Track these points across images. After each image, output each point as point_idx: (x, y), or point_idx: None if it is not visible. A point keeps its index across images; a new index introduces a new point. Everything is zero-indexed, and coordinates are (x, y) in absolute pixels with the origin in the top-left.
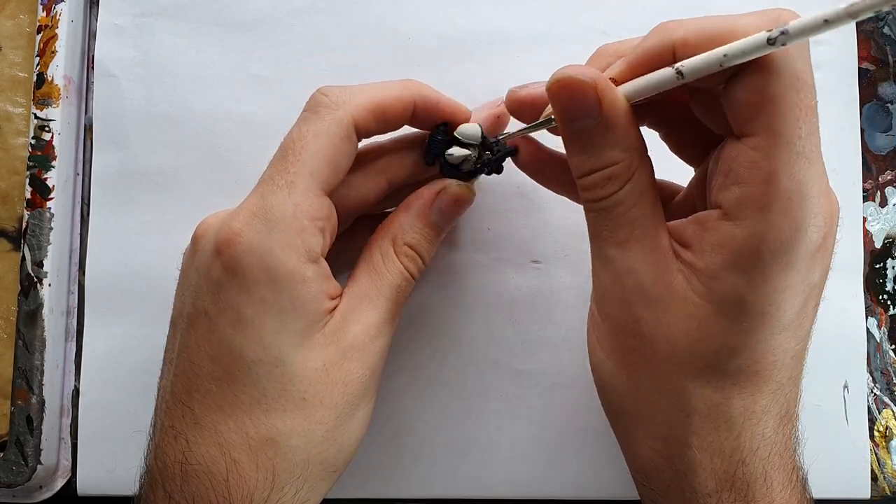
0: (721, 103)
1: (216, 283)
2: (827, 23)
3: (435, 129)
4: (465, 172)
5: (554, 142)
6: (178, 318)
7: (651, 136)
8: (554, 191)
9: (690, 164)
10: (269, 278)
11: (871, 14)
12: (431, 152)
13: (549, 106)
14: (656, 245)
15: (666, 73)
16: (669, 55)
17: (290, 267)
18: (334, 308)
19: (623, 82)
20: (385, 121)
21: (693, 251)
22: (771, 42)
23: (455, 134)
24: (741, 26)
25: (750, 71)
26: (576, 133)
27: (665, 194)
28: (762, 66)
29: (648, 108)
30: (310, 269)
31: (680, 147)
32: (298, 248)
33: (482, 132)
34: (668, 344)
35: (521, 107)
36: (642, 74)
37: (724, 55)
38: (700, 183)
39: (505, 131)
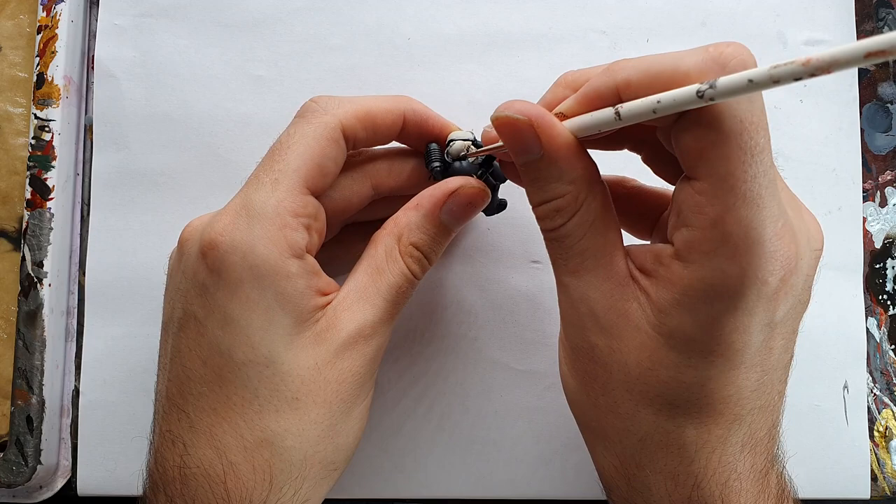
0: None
1: (202, 285)
2: (751, 83)
3: (426, 146)
4: (475, 173)
5: None
6: (168, 322)
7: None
8: None
9: (669, 183)
10: (252, 275)
11: (791, 82)
12: (431, 158)
13: None
14: (609, 274)
15: (606, 113)
16: (615, 94)
17: (272, 262)
18: (326, 304)
19: (572, 116)
20: (374, 130)
21: (650, 280)
22: (700, 96)
23: (448, 139)
24: (683, 67)
25: (690, 116)
26: (524, 166)
27: (658, 204)
28: (701, 112)
29: (627, 134)
30: (294, 265)
31: (660, 170)
32: (281, 243)
33: (473, 138)
34: (622, 371)
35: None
36: (590, 111)
37: (658, 102)
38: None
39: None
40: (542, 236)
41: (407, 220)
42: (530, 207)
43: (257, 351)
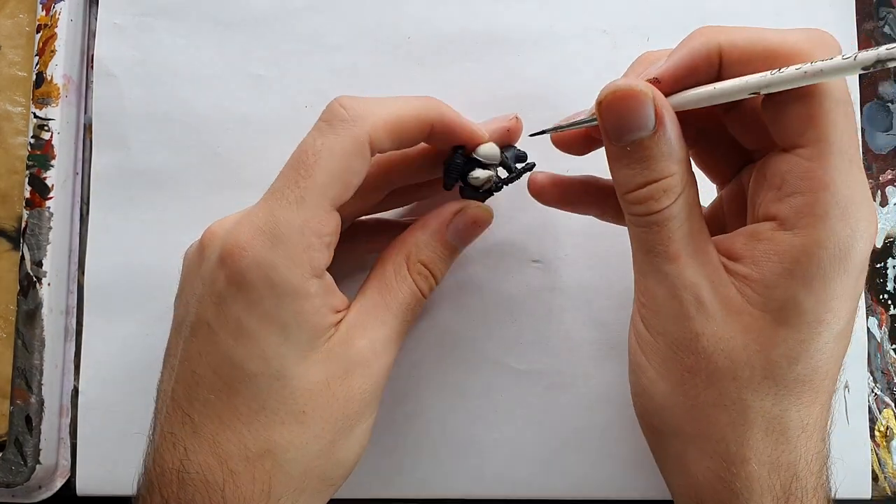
0: (759, 117)
1: (219, 294)
2: (879, 62)
3: (452, 151)
4: (484, 192)
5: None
6: (180, 324)
7: None
8: (578, 212)
9: (716, 182)
10: (272, 293)
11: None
12: (451, 175)
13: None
14: (708, 259)
15: (708, 91)
16: (715, 63)
17: (294, 283)
18: (339, 321)
19: (666, 83)
20: (401, 139)
21: (745, 263)
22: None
23: (474, 155)
24: (793, 44)
25: (791, 91)
26: (631, 145)
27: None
28: (804, 87)
29: (682, 126)
30: (314, 285)
31: (709, 165)
32: (304, 265)
33: (500, 151)
34: (728, 358)
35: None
36: (686, 76)
37: (818, 70)
38: (734, 200)
39: (514, 144)
40: (542, 236)
41: (415, 239)
42: (530, 207)
43: (269, 364)
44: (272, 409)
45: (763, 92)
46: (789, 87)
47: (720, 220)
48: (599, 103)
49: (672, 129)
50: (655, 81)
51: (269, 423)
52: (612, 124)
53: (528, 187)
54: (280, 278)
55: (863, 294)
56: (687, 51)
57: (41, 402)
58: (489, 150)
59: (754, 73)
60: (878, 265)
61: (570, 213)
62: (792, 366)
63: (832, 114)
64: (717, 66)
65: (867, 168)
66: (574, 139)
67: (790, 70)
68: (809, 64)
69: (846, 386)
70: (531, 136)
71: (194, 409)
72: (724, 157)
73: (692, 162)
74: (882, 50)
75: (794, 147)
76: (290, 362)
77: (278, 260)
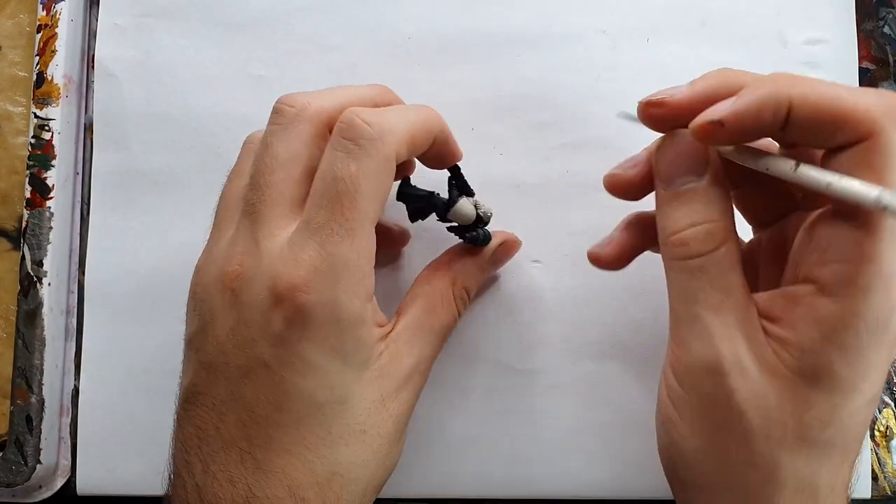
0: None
1: (278, 335)
2: None
3: (453, 180)
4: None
5: None
6: (219, 365)
7: None
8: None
9: (755, 225)
10: (337, 328)
11: None
12: (453, 194)
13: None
14: (749, 316)
15: (784, 164)
16: (784, 110)
17: (354, 312)
18: (385, 336)
19: (729, 128)
20: (415, 151)
21: (782, 325)
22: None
23: (449, 217)
24: (861, 109)
25: (866, 149)
26: (680, 189)
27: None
28: (871, 143)
29: (729, 166)
30: (368, 309)
31: (749, 209)
32: (361, 294)
33: (476, 213)
34: (761, 417)
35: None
36: (751, 124)
37: (830, 185)
38: (773, 245)
39: None
40: (542, 236)
41: (462, 266)
42: (530, 207)
43: (335, 392)
44: (337, 434)
45: (827, 193)
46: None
47: (754, 263)
48: (658, 147)
49: (723, 177)
50: (719, 125)
51: (335, 446)
52: (664, 167)
53: (594, 262)
54: (344, 313)
55: None
56: (756, 98)
57: (41, 402)
58: (468, 209)
59: (818, 135)
60: None
61: (569, 213)
62: (825, 429)
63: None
64: (783, 120)
65: None
66: (630, 185)
67: (860, 192)
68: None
69: None
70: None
71: (256, 446)
72: (769, 202)
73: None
74: None
75: (845, 212)
76: (351, 385)
77: (341, 295)
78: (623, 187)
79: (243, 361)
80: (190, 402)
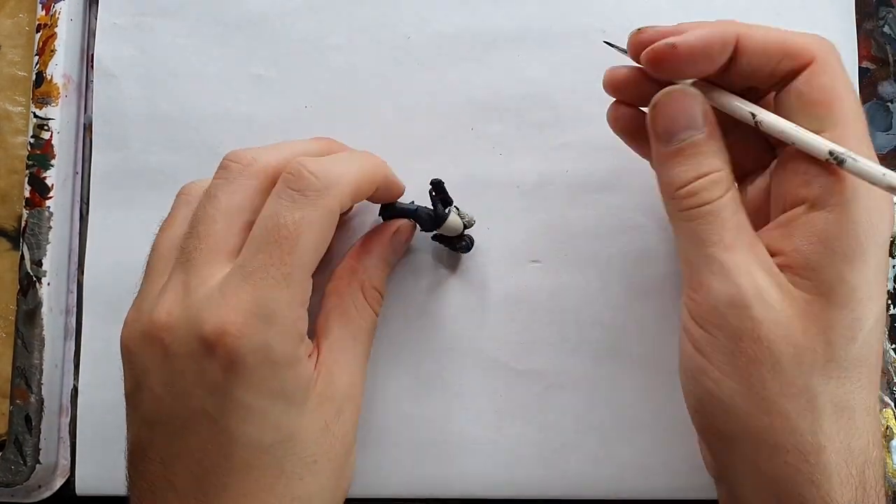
0: (784, 107)
1: (215, 384)
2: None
3: (437, 195)
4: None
5: None
6: (160, 419)
7: None
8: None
9: (738, 176)
10: (273, 371)
11: None
12: (439, 209)
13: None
14: (760, 249)
15: (745, 111)
16: (731, 44)
17: (289, 354)
18: (315, 364)
19: (681, 53)
20: (357, 199)
21: (787, 254)
22: (832, 158)
23: (440, 231)
24: (800, 43)
25: (810, 72)
26: (682, 145)
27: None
28: (814, 67)
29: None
30: (302, 348)
31: (739, 159)
32: (294, 336)
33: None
34: (790, 344)
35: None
36: (701, 53)
37: (794, 132)
38: (755, 197)
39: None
40: (542, 236)
41: (364, 265)
42: (530, 207)
43: (282, 431)
44: (290, 470)
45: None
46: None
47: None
48: (653, 106)
49: (718, 129)
50: (672, 47)
51: (290, 482)
52: (663, 125)
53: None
54: (278, 355)
55: None
56: (707, 30)
57: (41, 402)
58: (455, 224)
59: (765, 67)
60: None
61: (569, 213)
62: (850, 345)
63: (845, 98)
64: (730, 52)
65: None
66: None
67: (778, 121)
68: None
69: None
70: (605, 42)
71: (211, 495)
72: (755, 149)
73: None
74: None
75: (818, 132)
76: (295, 421)
77: (274, 339)
78: (620, 84)
79: (183, 413)
80: (138, 457)
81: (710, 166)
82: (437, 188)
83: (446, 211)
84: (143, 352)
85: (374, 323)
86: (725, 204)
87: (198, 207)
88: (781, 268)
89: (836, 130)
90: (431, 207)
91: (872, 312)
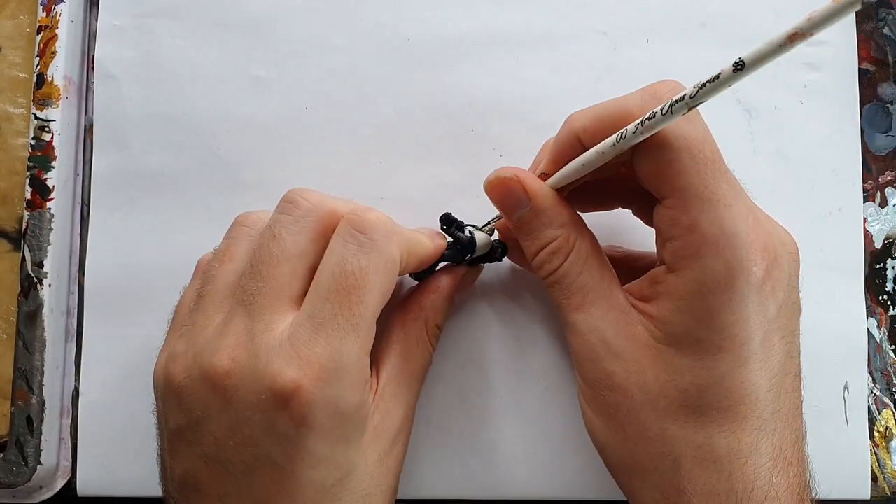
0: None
1: (285, 436)
2: (677, 103)
3: (449, 227)
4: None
5: None
6: (220, 460)
7: None
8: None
9: (641, 217)
10: (341, 421)
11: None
12: (461, 237)
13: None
14: (612, 304)
15: (572, 165)
16: (578, 144)
17: (357, 403)
18: (373, 395)
19: (551, 173)
20: (405, 267)
21: (650, 304)
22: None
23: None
24: (627, 107)
25: (642, 147)
26: (518, 222)
27: (644, 264)
28: (650, 142)
29: (613, 190)
30: (366, 393)
31: (647, 218)
32: (362, 385)
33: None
34: (642, 391)
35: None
36: (563, 162)
37: (613, 143)
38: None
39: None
40: None
41: (431, 304)
42: None
43: (342, 469)
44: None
45: (609, 157)
46: (601, 162)
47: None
48: (485, 189)
49: (545, 203)
50: (544, 175)
51: None
52: (500, 204)
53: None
54: (348, 407)
55: (863, 294)
56: (557, 144)
57: (42, 403)
58: (484, 240)
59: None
60: (878, 266)
61: None
62: (703, 393)
63: (676, 163)
64: (579, 147)
65: (867, 169)
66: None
67: (592, 149)
68: (632, 125)
69: (845, 387)
70: (477, 229)
71: None
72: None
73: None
74: (687, 98)
75: (662, 198)
76: (354, 457)
77: (345, 392)
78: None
79: (248, 458)
80: (189, 489)
81: (546, 237)
82: (448, 221)
83: (467, 232)
84: (202, 393)
85: (431, 360)
86: (567, 270)
87: (261, 244)
88: (646, 315)
89: (674, 196)
90: (452, 240)
91: (725, 362)
